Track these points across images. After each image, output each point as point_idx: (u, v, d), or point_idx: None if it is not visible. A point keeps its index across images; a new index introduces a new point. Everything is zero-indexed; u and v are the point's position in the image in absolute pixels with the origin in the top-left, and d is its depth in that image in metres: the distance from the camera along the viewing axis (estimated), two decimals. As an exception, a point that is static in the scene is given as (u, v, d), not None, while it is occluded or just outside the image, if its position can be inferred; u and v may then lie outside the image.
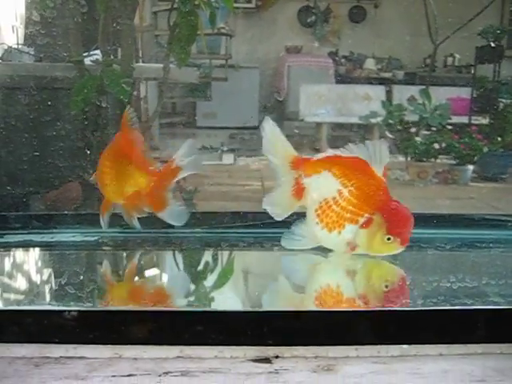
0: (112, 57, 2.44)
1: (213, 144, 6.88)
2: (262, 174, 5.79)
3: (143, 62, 5.31)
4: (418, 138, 5.39)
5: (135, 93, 3.66)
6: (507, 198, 4.93)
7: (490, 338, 0.68)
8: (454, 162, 5.28)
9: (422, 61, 7.91)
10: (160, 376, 0.63)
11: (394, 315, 0.69)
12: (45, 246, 1.00)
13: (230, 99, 7.26)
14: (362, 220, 0.84)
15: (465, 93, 6.50)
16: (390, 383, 0.63)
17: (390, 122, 5.78)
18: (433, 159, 5.28)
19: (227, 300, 0.78)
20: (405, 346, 0.67)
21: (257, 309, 0.72)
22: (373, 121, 5.98)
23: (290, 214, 0.91)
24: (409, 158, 5.39)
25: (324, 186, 0.88)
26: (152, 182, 0.97)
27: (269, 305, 0.75)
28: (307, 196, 0.89)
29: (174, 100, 7.63)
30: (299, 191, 0.89)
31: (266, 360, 0.67)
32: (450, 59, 8.06)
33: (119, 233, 1.05)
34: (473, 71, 6.63)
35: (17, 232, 1.05)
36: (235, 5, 7.82)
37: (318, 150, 6.90)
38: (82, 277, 0.82)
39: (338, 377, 0.64)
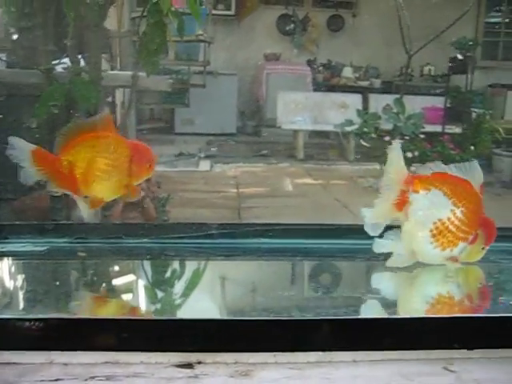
0: (84, 64, 2.48)
1: (190, 150, 6.92)
2: (238, 180, 5.85)
3: (121, 68, 5.34)
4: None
5: (110, 99, 3.70)
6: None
7: (400, 345, 0.73)
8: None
9: (400, 70, 8.02)
10: (86, 380, 0.67)
11: (311, 323, 0.73)
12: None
13: (208, 106, 7.30)
14: (470, 237, 0.91)
15: (439, 102, 6.61)
16: (300, 387, 0.68)
17: (365, 130, 5.86)
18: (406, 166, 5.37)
19: (162, 307, 0.82)
20: (320, 353, 0.72)
21: (181, 317, 0.77)
22: (348, 129, 6.06)
23: (384, 224, 0.93)
24: (383, 166, 5.47)
25: (436, 204, 0.92)
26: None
27: (198, 311, 0.79)
28: (410, 211, 0.92)
29: (152, 106, 7.66)
30: (401, 204, 0.92)
31: (189, 365, 0.71)
32: (426, 69, 8.19)
33: (69, 243, 1.09)
34: (447, 81, 6.75)
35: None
36: (214, 12, 7.89)
37: (294, 157, 6.98)
38: (23, 286, 0.85)
39: (253, 382, 0.68)
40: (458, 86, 6.48)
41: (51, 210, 2.39)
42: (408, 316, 0.75)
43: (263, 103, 7.97)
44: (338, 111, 7.04)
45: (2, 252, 1.06)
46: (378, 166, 5.55)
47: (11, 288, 0.83)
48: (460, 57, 5.81)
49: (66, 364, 0.71)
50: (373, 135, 5.76)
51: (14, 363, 0.70)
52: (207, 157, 6.75)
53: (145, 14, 2.40)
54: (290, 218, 4.28)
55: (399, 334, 0.74)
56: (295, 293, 0.85)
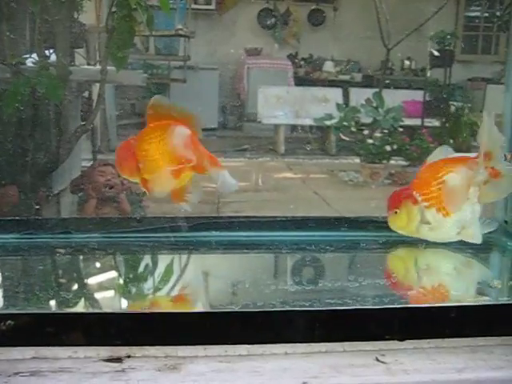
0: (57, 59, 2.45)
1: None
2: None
3: (98, 62, 5.30)
4: (370, 141, 5.49)
5: (86, 94, 3.67)
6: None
7: (331, 337, 0.73)
8: (406, 164, 5.40)
9: (380, 64, 8.04)
10: (9, 376, 0.66)
11: (240, 315, 0.73)
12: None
13: (188, 100, 7.27)
14: None
15: (419, 96, 6.63)
16: (225, 380, 0.67)
17: (345, 124, 5.88)
18: (385, 161, 5.39)
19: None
20: (248, 346, 0.71)
21: (107, 310, 0.76)
22: (327, 123, 6.07)
23: None
24: (362, 160, 5.49)
25: None
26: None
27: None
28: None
29: (133, 101, 7.62)
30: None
31: (118, 360, 0.70)
32: (407, 62, 8.20)
33: (17, 238, 1.07)
34: (426, 75, 6.77)
35: None
36: (195, 6, 7.86)
37: (275, 152, 6.97)
38: None
39: (179, 375, 0.68)
40: (438, 79, 6.50)
41: (20, 206, 2.37)
42: (339, 308, 0.75)
43: (244, 98, 7.95)
44: (319, 105, 7.03)
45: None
46: (358, 160, 5.58)
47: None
48: (437, 52, 5.83)
49: (-8, 360, 0.70)
50: (352, 129, 5.78)
51: None
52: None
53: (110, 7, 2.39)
54: (268, 212, 4.28)
55: (330, 326, 0.74)
56: (227, 285, 0.84)
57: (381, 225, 1.08)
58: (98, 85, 4.37)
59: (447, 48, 6.07)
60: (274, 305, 0.76)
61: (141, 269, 0.98)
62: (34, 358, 0.70)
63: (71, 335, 0.71)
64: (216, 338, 0.72)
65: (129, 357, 0.71)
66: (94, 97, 4.53)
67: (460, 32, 7.61)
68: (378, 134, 5.61)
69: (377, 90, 6.08)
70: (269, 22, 8.50)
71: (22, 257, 1.01)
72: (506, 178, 1.00)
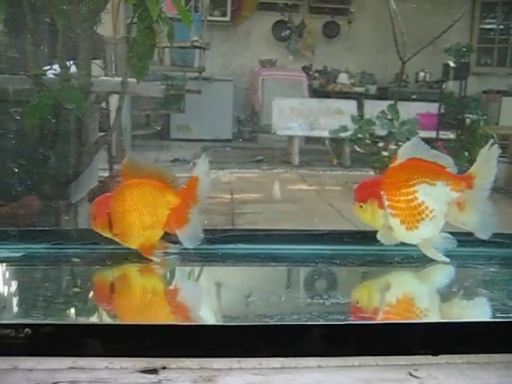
0: (77, 70, 2.48)
1: (185, 156, 6.93)
2: (233, 186, 5.85)
3: (116, 74, 5.35)
4: (385, 153, 5.48)
5: (103, 105, 3.70)
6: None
7: (365, 351, 0.73)
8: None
9: (395, 76, 8.05)
10: (48, 386, 0.67)
11: (274, 329, 0.74)
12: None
13: (203, 112, 7.32)
14: None
15: (434, 108, 6.63)
16: (262, 393, 0.68)
17: (359, 136, 5.88)
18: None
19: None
20: (283, 359, 0.72)
21: (143, 322, 0.77)
22: (342, 135, 6.08)
23: None
24: (378, 172, 5.48)
25: None
26: (178, 200, 1.01)
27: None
28: None
29: (148, 112, 7.68)
30: None
31: (153, 371, 0.71)
32: (421, 75, 8.22)
33: (47, 248, 1.09)
34: (442, 87, 6.77)
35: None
36: (210, 18, 7.92)
37: (290, 163, 6.99)
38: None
39: (215, 387, 0.68)
40: (453, 92, 6.49)
41: (41, 216, 2.40)
42: (372, 322, 0.75)
43: (259, 109, 7.99)
44: (334, 117, 7.05)
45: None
46: (372, 172, 5.57)
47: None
48: (453, 64, 5.83)
49: (30, 369, 0.71)
50: (367, 141, 5.78)
51: (-22, 369, 0.71)
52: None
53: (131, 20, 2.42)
54: (283, 224, 4.28)
55: (364, 340, 0.74)
56: (261, 298, 0.85)
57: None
58: (114, 95, 4.42)
59: (463, 60, 6.06)
60: (308, 318, 0.77)
61: (172, 281, 0.99)
62: (71, 368, 0.71)
63: (108, 346, 0.72)
64: (250, 351, 0.72)
65: (164, 368, 0.71)
66: (110, 107, 4.59)
67: (475, 44, 7.60)
68: (392, 147, 5.61)
69: (391, 102, 6.09)
70: (283, 34, 8.55)
71: (54, 267, 1.02)
72: (473, 214, 0.99)
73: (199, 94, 7.27)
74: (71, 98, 2.25)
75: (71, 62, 2.50)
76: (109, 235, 1.02)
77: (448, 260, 1.00)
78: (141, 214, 1.01)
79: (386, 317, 0.78)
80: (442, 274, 1.01)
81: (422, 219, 1.00)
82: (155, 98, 6.20)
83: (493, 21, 8.03)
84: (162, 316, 0.81)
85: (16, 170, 2.38)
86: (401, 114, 5.71)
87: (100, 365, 0.71)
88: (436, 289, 0.98)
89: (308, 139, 7.46)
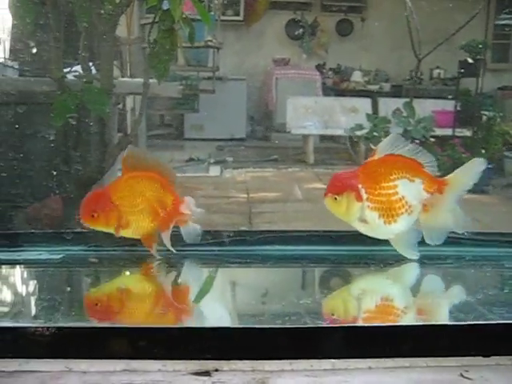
0: (95, 72, 2.49)
1: (200, 156, 6.94)
2: (248, 185, 5.85)
3: (130, 74, 5.37)
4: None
5: (120, 106, 3.72)
6: (489, 210, 5.00)
7: (417, 352, 0.73)
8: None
9: (409, 73, 8.00)
10: (104, 388, 0.68)
11: (325, 331, 0.74)
12: (11, 264, 1.04)
13: (217, 111, 7.32)
14: None
15: (449, 105, 6.59)
16: (316, 395, 0.68)
17: (375, 134, 5.85)
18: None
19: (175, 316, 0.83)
20: (334, 361, 0.72)
21: (198, 325, 0.77)
22: (358, 133, 6.05)
23: None
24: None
25: None
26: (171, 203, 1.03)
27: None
28: None
29: (162, 112, 7.69)
30: None
31: (206, 373, 0.71)
32: (436, 72, 8.17)
33: (84, 251, 1.10)
34: (457, 84, 6.73)
35: (-14, 250, 1.09)
36: (223, 17, 7.92)
37: (305, 162, 6.98)
38: (41, 294, 0.87)
39: (269, 389, 0.69)
40: (468, 89, 6.45)
41: (64, 217, 2.41)
42: (423, 323, 0.75)
43: (273, 108, 7.98)
44: (348, 115, 7.03)
45: (18, 260, 1.07)
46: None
47: (29, 296, 0.84)
48: (470, 60, 5.80)
49: (84, 372, 0.71)
50: (383, 139, 5.74)
51: (34, 371, 0.71)
52: (217, 162, 6.76)
53: (155, 20, 2.42)
54: (300, 223, 4.28)
55: (414, 341, 0.74)
56: (310, 300, 0.85)
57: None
58: (130, 96, 4.43)
59: (478, 57, 6.02)
60: (358, 319, 0.77)
61: (220, 282, 1.00)
62: (124, 370, 0.72)
63: (160, 349, 0.72)
64: (301, 353, 0.73)
65: (216, 370, 0.72)
66: (127, 108, 4.60)
67: (490, 41, 7.55)
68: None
69: (406, 99, 6.06)
70: (297, 33, 8.53)
71: (93, 269, 1.03)
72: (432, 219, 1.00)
73: (213, 93, 7.29)
74: (95, 100, 2.27)
75: (92, 64, 2.52)
76: (112, 230, 1.03)
77: (418, 256, 1.00)
78: (141, 206, 1.02)
79: (437, 318, 0.78)
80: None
81: (402, 213, 1.00)
82: (169, 97, 6.23)
83: (508, 16, 7.97)
84: (213, 319, 0.81)
85: (40, 171, 2.40)
86: (416, 112, 5.69)
87: (153, 367, 0.72)
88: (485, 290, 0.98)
89: (322, 137, 7.44)
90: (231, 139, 7.56)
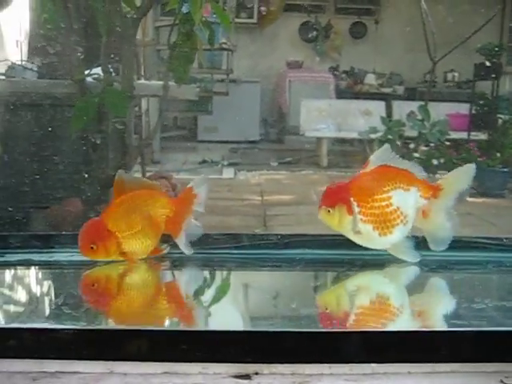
0: (114, 74, 2.51)
1: (213, 158, 6.95)
2: (262, 188, 5.86)
3: (144, 76, 5.39)
4: (416, 154, 5.45)
5: (136, 108, 3.74)
6: (505, 214, 4.98)
7: (455, 357, 0.73)
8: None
9: (423, 76, 7.99)
10: (147, 390, 0.69)
11: (365, 335, 0.74)
12: (44, 265, 1.05)
13: (231, 113, 7.34)
14: None
15: (464, 109, 6.57)
16: (358, 399, 0.68)
17: (390, 137, 5.84)
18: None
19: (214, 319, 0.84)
20: (374, 365, 0.72)
21: (237, 328, 0.78)
22: (372, 136, 6.04)
23: None
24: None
25: None
26: (172, 209, 1.03)
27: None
28: None
29: (176, 114, 7.72)
30: None
31: (246, 376, 0.72)
32: (450, 75, 8.14)
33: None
34: (472, 87, 6.70)
35: (17, 251, 1.10)
36: (237, 20, 7.94)
37: (318, 165, 6.97)
38: (77, 296, 0.87)
39: (310, 392, 0.69)
40: (484, 92, 6.43)
41: (84, 218, 2.42)
42: (463, 329, 0.75)
43: (286, 111, 7.99)
44: (362, 118, 7.02)
45: (50, 262, 1.08)
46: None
47: (67, 298, 0.85)
48: (487, 63, 5.78)
49: (125, 374, 0.72)
50: (397, 142, 5.74)
51: (76, 372, 0.72)
52: (230, 164, 6.77)
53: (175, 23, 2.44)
54: (315, 226, 4.29)
55: (453, 346, 0.74)
56: (350, 304, 0.86)
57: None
58: (144, 98, 4.45)
59: (494, 60, 6.00)
60: (398, 324, 0.77)
61: (259, 286, 1.00)
62: (165, 372, 0.72)
63: (201, 352, 0.73)
64: (340, 357, 0.73)
65: (256, 374, 0.72)
66: (142, 111, 4.61)
67: (506, 43, 7.51)
68: (424, 148, 5.57)
69: (420, 102, 6.04)
70: (310, 35, 8.54)
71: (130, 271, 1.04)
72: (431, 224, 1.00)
73: (227, 95, 7.31)
74: (116, 103, 2.28)
75: (110, 67, 2.53)
76: (112, 258, 1.01)
77: (419, 258, 1.01)
78: (139, 227, 1.01)
79: (477, 324, 0.78)
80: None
81: (397, 224, 1.00)
82: (183, 100, 6.24)
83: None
84: (252, 322, 0.82)
85: (59, 173, 2.42)
86: (431, 115, 5.68)
87: (193, 370, 0.72)
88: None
89: (335, 140, 7.44)
90: (244, 141, 7.58)
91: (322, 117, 7.14)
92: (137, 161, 2.53)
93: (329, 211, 0.99)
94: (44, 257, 1.08)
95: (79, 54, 2.45)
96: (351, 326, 0.79)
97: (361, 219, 0.99)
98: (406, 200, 0.99)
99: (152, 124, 6.01)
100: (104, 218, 1.01)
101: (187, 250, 1.02)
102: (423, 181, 1.00)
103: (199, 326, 0.80)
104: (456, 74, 7.91)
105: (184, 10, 2.42)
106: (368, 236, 1.00)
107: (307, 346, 0.73)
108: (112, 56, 2.49)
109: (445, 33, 5.64)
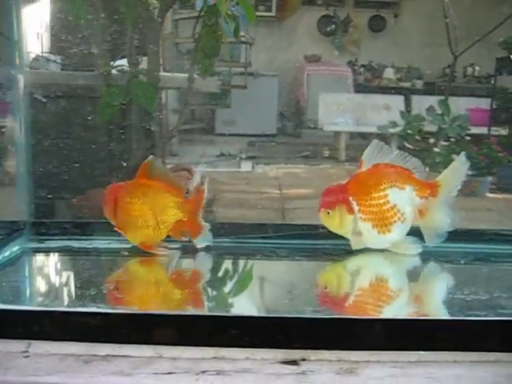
0: (139, 66, 2.52)
1: (231, 151, 6.96)
2: (280, 181, 5.86)
3: (164, 69, 5.39)
4: (436, 149, 5.41)
5: (157, 101, 3.75)
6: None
7: (502, 347, 0.74)
8: (472, 173, 5.30)
9: (442, 71, 7.93)
10: (198, 374, 0.70)
11: (411, 323, 0.75)
12: (84, 252, 1.07)
13: (249, 107, 7.34)
14: None
15: (484, 103, 6.51)
16: (407, 386, 0.69)
17: (409, 132, 5.81)
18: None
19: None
20: (422, 352, 0.73)
21: (285, 315, 0.79)
22: (392, 131, 6.01)
23: None
24: (427, 169, 5.41)
25: None
26: (189, 209, 1.04)
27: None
28: None
29: (194, 107, 7.72)
30: None
31: (294, 362, 0.73)
32: (469, 69, 8.07)
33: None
34: (492, 82, 6.64)
35: (56, 238, 1.12)
36: (256, 13, 7.92)
37: (336, 159, 6.96)
38: (123, 282, 0.89)
39: (360, 379, 0.70)
40: (505, 87, 6.36)
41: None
42: (511, 318, 0.76)
43: (304, 104, 7.97)
44: (381, 113, 6.99)
45: (88, 249, 1.10)
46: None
47: (112, 284, 0.86)
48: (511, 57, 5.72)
49: (174, 358, 0.73)
50: (417, 137, 5.71)
51: (126, 356, 0.73)
52: (248, 158, 6.78)
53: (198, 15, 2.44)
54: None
55: (501, 336, 0.74)
56: (400, 292, 0.86)
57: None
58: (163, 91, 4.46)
59: (516, 55, 5.94)
60: (446, 313, 0.78)
61: (304, 275, 1.01)
62: (214, 357, 0.73)
63: (249, 337, 0.74)
64: (386, 344, 0.74)
65: (303, 360, 0.73)
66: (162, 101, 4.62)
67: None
68: (444, 143, 5.53)
69: (439, 97, 5.99)
70: (329, 29, 8.50)
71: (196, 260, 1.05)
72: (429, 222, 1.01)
73: (245, 89, 7.30)
74: (143, 95, 2.29)
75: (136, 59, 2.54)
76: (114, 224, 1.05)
77: (421, 248, 1.02)
78: (145, 214, 1.03)
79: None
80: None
81: (395, 222, 1.02)
82: (202, 92, 6.25)
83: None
84: (298, 309, 0.82)
85: (88, 164, 2.43)
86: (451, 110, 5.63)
87: (241, 355, 0.73)
88: None
89: (352, 134, 7.41)
90: (262, 135, 7.57)
91: (340, 111, 7.11)
92: (160, 152, 2.54)
93: (328, 213, 1.01)
94: (83, 244, 1.10)
95: (104, 45, 2.46)
96: (397, 313, 0.80)
97: (360, 217, 1.01)
98: (402, 198, 1.01)
99: (170, 115, 6.05)
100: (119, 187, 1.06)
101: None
102: (419, 180, 1.02)
103: (247, 312, 0.81)
104: (477, 68, 7.84)
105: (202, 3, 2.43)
106: (368, 235, 1.02)
107: (354, 333, 0.74)
108: (137, 48, 2.50)
109: (464, 26, 5.59)
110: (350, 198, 1.00)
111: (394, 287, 0.94)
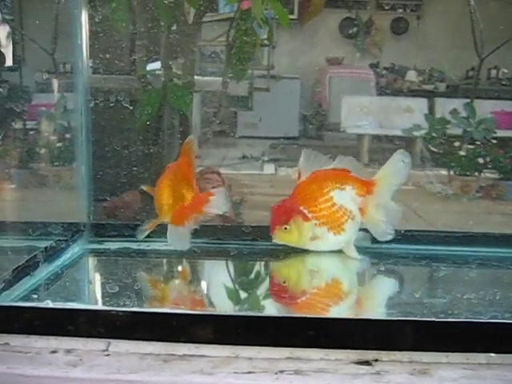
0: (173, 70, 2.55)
1: (253, 154, 6.98)
2: (304, 184, 5.87)
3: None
4: (461, 152, 5.39)
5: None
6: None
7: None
8: (498, 177, 5.26)
9: (465, 73, 7.89)
10: (276, 374, 0.72)
11: (483, 326, 0.76)
12: (143, 254, 1.10)
13: (271, 109, 7.36)
14: None
15: (509, 106, 6.47)
16: (481, 387, 0.70)
17: (434, 135, 5.79)
18: (477, 173, 5.28)
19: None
20: (492, 355, 0.74)
21: (359, 316, 0.80)
22: (416, 134, 6.00)
23: None
24: (452, 172, 5.39)
25: None
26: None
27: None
28: None
29: (216, 110, 7.76)
30: None
31: (367, 363, 0.75)
32: (493, 72, 8.02)
33: (208, 243, 1.14)
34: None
35: (115, 240, 1.15)
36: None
37: (359, 162, 6.94)
38: (195, 283, 0.92)
39: (434, 380, 0.71)
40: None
41: (142, 211, 2.47)
42: None
43: (326, 107, 7.97)
44: (404, 115, 6.97)
45: (147, 250, 1.12)
46: (444, 172, 5.48)
47: (184, 285, 0.89)
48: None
49: (250, 358, 0.75)
50: (442, 140, 5.69)
51: (202, 355, 0.76)
52: (271, 160, 6.80)
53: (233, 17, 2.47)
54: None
55: None
56: (472, 296, 0.88)
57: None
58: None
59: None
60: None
61: (372, 274, 1.03)
62: (289, 358, 0.75)
63: (324, 338, 0.76)
64: (457, 346, 0.75)
65: (376, 360, 0.75)
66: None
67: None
68: (469, 146, 5.51)
69: (462, 100, 5.97)
70: (351, 31, 8.50)
71: (229, 260, 1.08)
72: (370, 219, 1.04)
73: (267, 91, 7.32)
74: (179, 98, 2.33)
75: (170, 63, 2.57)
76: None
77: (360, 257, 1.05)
78: (170, 192, 1.05)
79: None
80: None
81: (346, 221, 1.05)
82: (224, 95, 6.28)
83: None
84: (372, 310, 0.84)
85: (121, 166, 2.47)
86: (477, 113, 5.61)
87: (316, 356, 0.75)
88: None
89: (374, 137, 7.40)
90: (284, 137, 7.58)
91: (363, 113, 7.11)
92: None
93: (285, 228, 1.04)
94: (142, 245, 1.13)
95: (142, 49, 2.50)
96: (468, 316, 0.81)
97: (316, 224, 1.04)
98: (345, 198, 1.05)
99: (193, 119, 6.09)
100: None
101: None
102: (357, 179, 1.06)
103: (323, 314, 0.83)
104: (505, 71, 7.79)
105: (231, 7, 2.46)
106: (324, 239, 1.05)
107: (425, 335, 0.76)
108: (172, 52, 2.53)
109: (489, 28, 5.56)
110: (301, 208, 1.03)
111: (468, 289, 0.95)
